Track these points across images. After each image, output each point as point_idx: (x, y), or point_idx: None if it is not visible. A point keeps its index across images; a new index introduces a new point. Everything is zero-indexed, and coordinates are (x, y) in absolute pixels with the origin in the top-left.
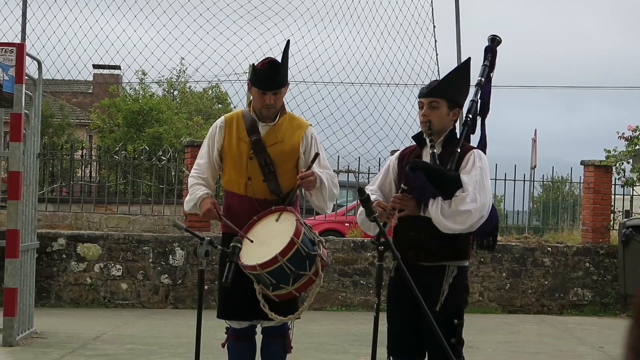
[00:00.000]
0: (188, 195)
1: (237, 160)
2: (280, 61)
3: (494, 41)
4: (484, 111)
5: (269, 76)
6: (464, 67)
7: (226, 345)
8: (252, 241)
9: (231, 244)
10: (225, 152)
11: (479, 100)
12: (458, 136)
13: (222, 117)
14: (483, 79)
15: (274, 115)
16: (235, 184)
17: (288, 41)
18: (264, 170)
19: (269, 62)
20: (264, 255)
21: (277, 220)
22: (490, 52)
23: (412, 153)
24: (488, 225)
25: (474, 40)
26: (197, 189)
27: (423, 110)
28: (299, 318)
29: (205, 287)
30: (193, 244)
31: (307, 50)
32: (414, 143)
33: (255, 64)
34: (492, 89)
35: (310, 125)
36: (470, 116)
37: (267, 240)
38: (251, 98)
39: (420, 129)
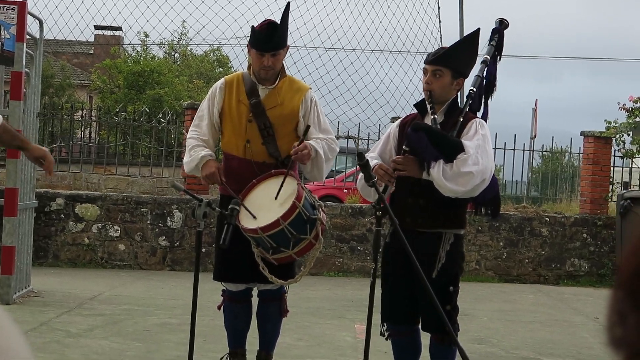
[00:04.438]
0: (188, 156)
1: (237, 123)
2: (280, 23)
3: (502, 24)
4: (489, 91)
5: (267, 37)
6: (471, 38)
7: (222, 308)
8: (255, 217)
9: (229, 206)
10: (225, 114)
11: (485, 78)
12: (460, 106)
13: (223, 79)
14: (489, 58)
15: (273, 78)
16: (234, 147)
17: (288, 3)
18: (263, 133)
19: (267, 24)
20: (265, 219)
21: (280, 184)
22: (497, 33)
23: (413, 121)
24: (489, 193)
25: (477, 9)
26: (199, 150)
27: (426, 78)
28: (297, 282)
29: (203, 249)
30: (191, 206)
31: (309, 15)
32: (416, 111)
33: (255, 26)
34: (497, 70)
35: (310, 88)
36: (475, 89)
37: (267, 204)
38: (251, 61)
39: (422, 97)
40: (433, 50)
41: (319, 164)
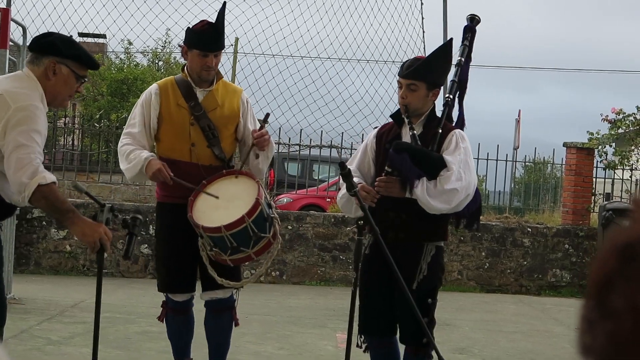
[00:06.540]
0: (126, 163)
1: (179, 127)
2: (220, 23)
3: (473, 20)
4: (462, 90)
5: (213, 38)
6: (444, 49)
7: (165, 320)
8: (217, 197)
9: (131, 215)
10: (163, 119)
11: (458, 81)
12: (439, 115)
13: (155, 85)
14: (463, 59)
15: (212, 79)
16: (177, 152)
17: (224, 2)
18: (208, 135)
19: (209, 24)
20: (228, 217)
21: (234, 178)
22: (470, 31)
23: (390, 131)
24: (473, 205)
25: (461, 19)
26: (138, 152)
27: (402, 92)
28: (250, 283)
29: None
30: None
31: (296, 24)
32: (391, 121)
33: (192, 27)
34: (469, 69)
35: (243, 90)
36: (451, 96)
37: (224, 203)
38: (186, 63)
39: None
40: (407, 60)
41: (269, 156)
